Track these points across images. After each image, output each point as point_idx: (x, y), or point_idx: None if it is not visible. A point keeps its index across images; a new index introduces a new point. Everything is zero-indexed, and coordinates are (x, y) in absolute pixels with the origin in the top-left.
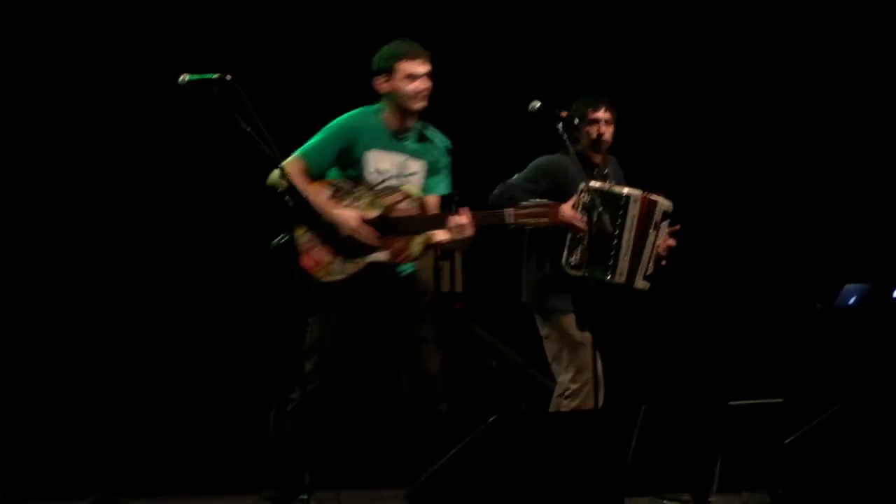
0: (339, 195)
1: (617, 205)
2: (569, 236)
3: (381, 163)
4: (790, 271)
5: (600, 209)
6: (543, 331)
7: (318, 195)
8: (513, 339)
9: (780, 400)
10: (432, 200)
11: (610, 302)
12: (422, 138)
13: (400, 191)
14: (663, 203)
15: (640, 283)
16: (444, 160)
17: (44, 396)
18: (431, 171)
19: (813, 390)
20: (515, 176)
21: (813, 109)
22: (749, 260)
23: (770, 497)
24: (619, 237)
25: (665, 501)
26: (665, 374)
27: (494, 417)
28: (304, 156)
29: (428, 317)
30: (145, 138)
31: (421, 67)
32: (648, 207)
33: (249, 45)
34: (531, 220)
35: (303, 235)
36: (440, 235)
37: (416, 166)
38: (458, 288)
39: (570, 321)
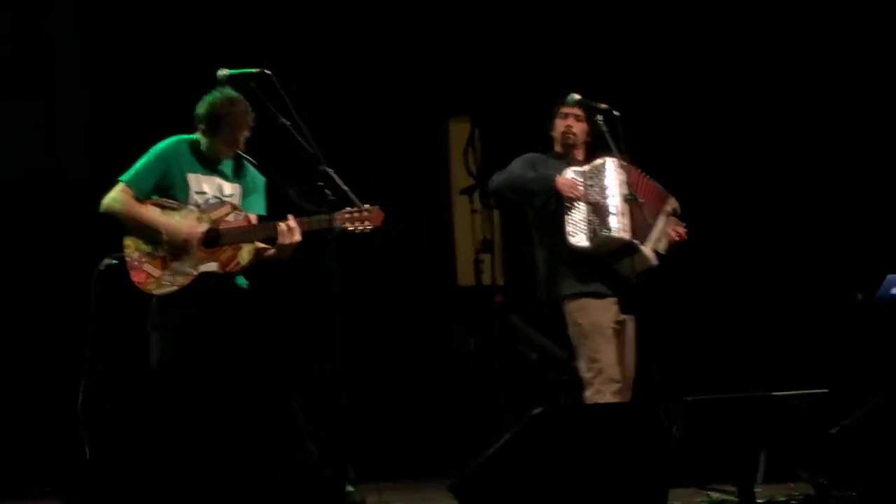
0: (167, 213)
1: (597, 175)
2: (566, 218)
3: (200, 186)
4: (833, 262)
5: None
6: (566, 323)
7: (149, 212)
8: (553, 332)
9: (824, 390)
10: (254, 217)
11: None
12: (235, 163)
13: (227, 203)
14: (671, 199)
15: (647, 250)
16: (260, 181)
17: None
18: (247, 193)
19: (857, 380)
20: (508, 167)
21: (853, 98)
22: (792, 251)
23: (814, 488)
24: (613, 199)
25: (709, 493)
26: (709, 366)
27: (537, 410)
28: (128, 183)
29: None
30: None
31: (247, 127)
32: (652, 186)
33: (279, 41)
34: (355, 224)
35: (133, 251)
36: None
37: (233, 189)
38: (499, 281)
39: (578, 306)
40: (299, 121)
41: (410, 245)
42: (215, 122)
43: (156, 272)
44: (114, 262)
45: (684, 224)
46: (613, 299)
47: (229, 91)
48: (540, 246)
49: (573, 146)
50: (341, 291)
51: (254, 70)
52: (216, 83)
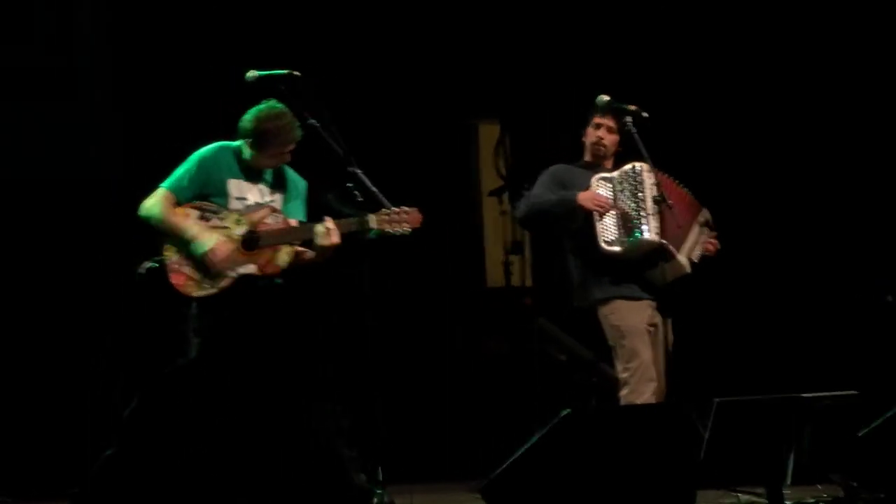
0: (205, 216)
1: (632, 181)
2: (596, 225)
3: (242, 191)
4: (862, 264)
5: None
6: (601, 326)
7: (186, 219)
8: (582, 333)
9: (853, 392)
10: (292, 222)
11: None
12: (276, 172)
13: (266, 206)
14: (705, 210)
15: (681, 258)
16: (301, 186)
17: None
18: (288, 199)
19: (886, 382)
20: (532, 190)
21: (882, 99)
22: (822, 252)
23: (843, 490)
24: (642, 202)
25: (738, 494)
26: (739, 367)
27: (566, 412)
28: (170, 189)
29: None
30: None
31: (289, 150)
32: (687, 198)
33: (310, 43)
34: (393, 226)
35: (172, 255)
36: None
37: (274, 196)
38: (528, 283)
39: (612, 309)
40: (329, 122)
41: (440, 247)
42: (262, 138)
43: (195, 275)
44: (154, 265)
45: (716, 234)
46: (647, 301)
47: (274, 104)
48: (571, 253)
49: (603, 157)
50: (371, 293)
51: (283, 71)
52: (245, 84)
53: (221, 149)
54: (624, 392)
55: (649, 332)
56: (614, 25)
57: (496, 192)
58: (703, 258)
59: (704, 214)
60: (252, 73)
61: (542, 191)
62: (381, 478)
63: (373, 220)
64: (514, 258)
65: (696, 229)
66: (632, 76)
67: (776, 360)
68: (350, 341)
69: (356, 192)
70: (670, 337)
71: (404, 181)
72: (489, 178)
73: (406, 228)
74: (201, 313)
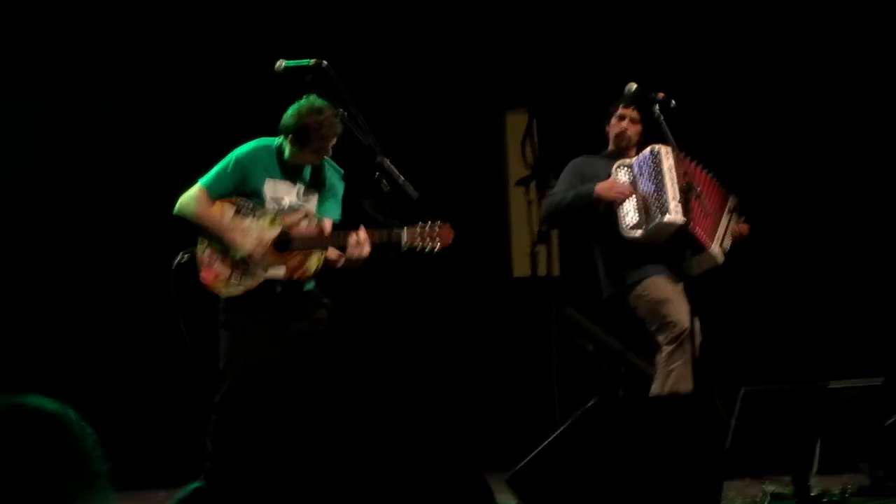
0: (242, 213)
1: (648, 163)
2: (617, 212)
3: (278, 192)
4: (889, 251)
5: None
6: (635, 309)
7: (222, 215)
8: (609, 323)
9: (880, 381)
10: (327, 224)
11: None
12: (315, 169)
13: (301, 209)
14: (732, 197)
15: (715, 249)
16: (338, 187)
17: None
18: (325, 198)
19: None
20: (555, 186)
21: None
22: (847, 240)
23: (870, 479)
24: (661, 185)
25: (764, 484)
26: (765, 356)
27: (593, 401)
28: (206, 187)
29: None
30: (246, 126)
31: (331, 142)
32: (690, 164)
33: (337, 33)
34: (425, 242)
35: (204, 250)
36: (335, 254)
37: (311, 196)
38: (555, 272)
39: (641, 288)
40: (356, 112)
41: (466, 236)
42: (303, 134)
43: (225, 272)
44: (185, 258)
45: (744, 218)
46: (674, 276)
47: (315, 100)
48: (595, 241)
49: (627, 147)
50: (397, 283)
51: (310, 61)
52: (272, 76)
53: (260, 148)
54: (669, 349)
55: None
56: (642, 14)
57: (523, 182)
58: (734, 243)
59: (733, 201)
60: (280, 64)
61: (562, 187)
62: None
63: (405, 235)
64: (540, 248)
65: (725, 218)
66: (660, 64)
67: (803, 348)
68: (376, 331)
69: (384, 182)
70: (698, 336)
71: (432, 171)
72: (516, 168)
73: (436, 245)
74: (229, 308)
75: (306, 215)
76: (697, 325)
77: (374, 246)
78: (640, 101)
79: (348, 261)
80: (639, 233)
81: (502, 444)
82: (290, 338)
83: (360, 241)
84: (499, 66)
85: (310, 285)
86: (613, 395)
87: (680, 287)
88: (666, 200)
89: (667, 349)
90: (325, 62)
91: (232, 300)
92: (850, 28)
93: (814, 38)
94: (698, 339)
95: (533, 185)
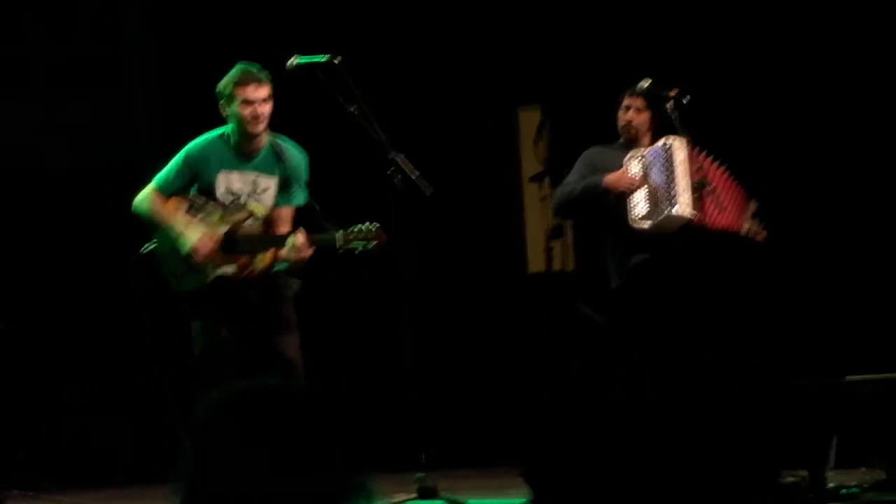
0: (193, 210)
1: (661, 155)
2: (627, 203)
3: (232, 183)
4: None
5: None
6: None
7: (175, 213)
8: (624, 319)
9: None
10: (285, 213)
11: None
12: (274, 153)
13: (245, 209)
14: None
15: (747, 226)
16: (298, 172)
17: None
18: (284, 185)
19: None
20: (567, 177)
21: None
22: (866, 235)
23: (887, 473)
24: (671, 177)
25: (781, 478)
26: (782, 350)
27: (608, 395)
28: (157, 187)
29: (287, 306)
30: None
31: (255, 93)
32: (704, 157)
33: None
34: (360, 244)
35: (159, 248)
36: (283, 252)
37: (269, 182)
38: (569, 267)
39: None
40: (367, 109)
41: (481, 232)
42: (227, 97)
43: (178, 270)
44: (149, 248)
45: (763, 224)
46: None
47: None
48: (605, 232)
49: (636, 137)
50: (412, 278)
51: (323, 58)
52: (284, 73)
53: (211, 140)
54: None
55: None
56: (655, 9)
57: (537, 178)
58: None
59: (754, 206)
60: (292, 61)
61: (574, 177)
62: (423, 461)
63: (339, 238)
64: (554, 243)
65: (745, 226)
66: (673, 60)
67: (821, 342)
68: (391, 326)
69: (397, 179)
70: None
71: (446, 168)
72: (530, 164)
73: (371, 246)
74: (192, 301)
75: (250, 214)
76: None
77: (314, 248)
78: (654, 98)
79: (289, 262)
80: (647, 224)
81: (517, 438)
82: (249, 318)
83: (298, 245)
84: (512, 63)
85: (280, 266)
86: (627, 390)
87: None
88: (676, 193)
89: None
90: (338, 58)
91: (194, 294)
92: (871, 24)
93: (832, 31)
94: None
95: (547, 181)
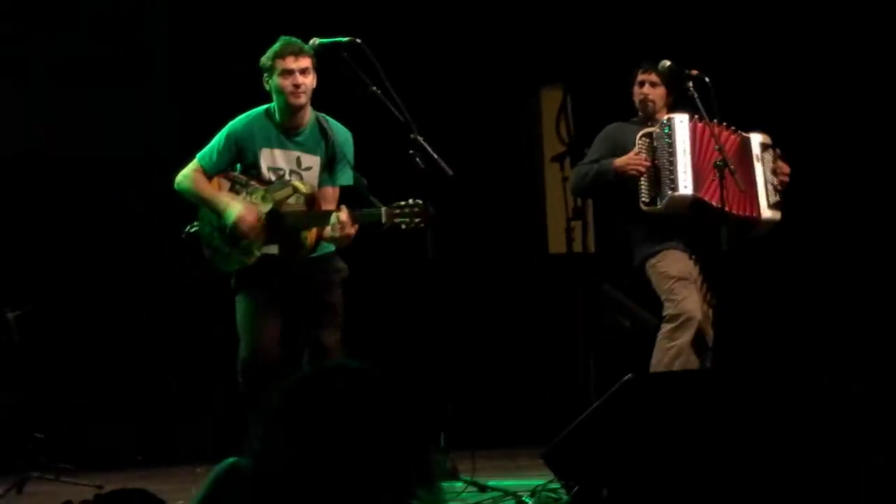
0: (236, 188)
1: (664, 133)
2: (638, 184)
3: (274, 161)
4: None
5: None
6: (650, 279)
7: (217, 191)
8: (644, 298)
9: None
10: (330, 193)
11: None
12: (319, 130)
13: (289, 186)
14: (756, 136)
15: (767, 213)
16: (344, 151)
17: None
18: (329, 164)
19: None
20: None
21: None
22: (872, 234)
23: None
24: (673, 156)
25: None
26: (803, 345)
27: (628, 377)
28: (201, 164)
29: (333, 293)
30: None
31: (294, 63)
32: (711, 129)
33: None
34: (405, 220)
35: (205, 225)
36: (327, 231)
37: (312, 160)
38: (591, 248)
39: (658, 259)
40: (391, 89)
41: (502, 213)
42: (268, 63)
43: (225, 249)
44: (193, 228)
45: (782, 155)
46: (694, 256)
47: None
48: (619, 213)
49: (653, 112)
50: (434, 260)
51: (344, 39)
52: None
53: (254, 117)
54: (669, 327)
55: (696, 280)
56: None
57: (558, 158)
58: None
59: (756, 142)
60: (314, 41)
61: (593, 156)
62: (443, 443)
63: (384, 215)
64: (575, 224)
65: (759, 170)
66: (693, 40)
67: (830, 342)
68: (413, 309)
69: (418, 160)
70: (710, 332)
71: (467, 148)
72: (551, 144)
73: (417, 223)
74: (238, 278)
75: (294, 191)
76: (710, 319)
77: (359, 225)
78: (675, 76)
79: (334, 241)
80: (655, 207)
81: (538, 421)
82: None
83: (343, 222)
84: (534, 42)
85: (328, 248)
86: (648, 371)
87: (696, 270)
88: (675, 174)
89: (666, 326)
90: (358, 39)
91: (240, 271)
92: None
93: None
94: (710, 336)
95: (568, 161)
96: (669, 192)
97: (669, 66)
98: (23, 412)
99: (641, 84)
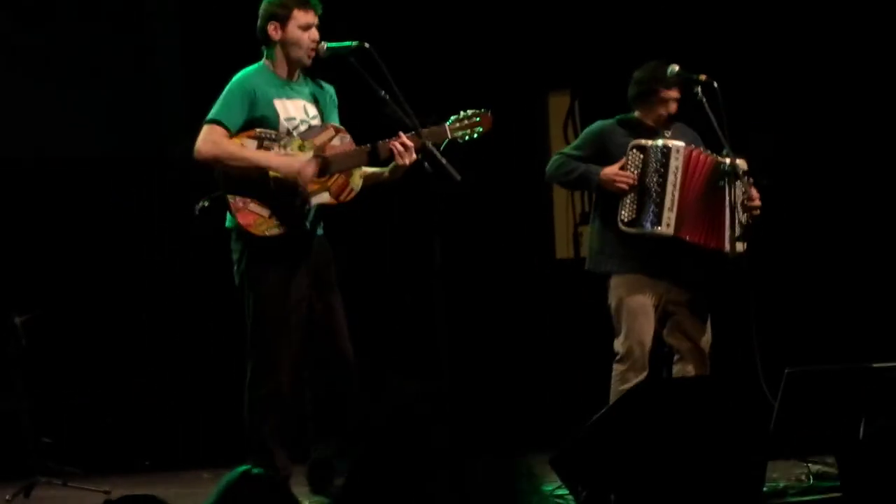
0: (265, 144)
1: (658, 157)
2: (619, 200)
3: (287, 111)
4: None
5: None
6: (607, 296)
7: (246, 150)
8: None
9: None
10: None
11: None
12: (308, 81)
13: (329, 126)
14: (734, 161)
15: (733, 246)
16: (333, 98)
17: None
18: (328, 111)
19: None
20: (568, 146)
21: None
22: (890, 218)
23: None
24: (662, 187)
25: (808, 465)
26: (810, 337)
27: (638, 382)
28: (219, 121)
29: (333, 268)
30: None
31: (314, 18)
32: (708, 165)
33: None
34: (468, 130)
35: (232, 196)
36: (375, 168)
37: (315, 109)
38: None
39: (621, 282)
40: (399, 94)
41: (509, 219)
42: (277, 15)
43: (265, 212)
44: (205, 204)
45: (751, 181)
46: (662, 282)
47: None
48: (596, 220)
49: (664, 127)
50: (441, 265)
51: (353, 43)
52: (315, 59)
53: (255, 71)
54: (622, 367)
55: (656, 309)
56: None
57: None
58: (756, 217)
59: (724, 168)
60: (323, 46)
61: (578, 153)
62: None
63: (447, 130)
64: (583, 229)
65: (727, 208)
66: (701, 45)
67: (847, 329)
68: (420, 314)
69: (426, 164)
70: (708, 337)
71: (474, 153)
72: (559, 149)
73: (478, 131)
74: (256, 254)
75: (336, 131)
76: (708, 328)
77: (420, 148)
78: (683, 84)
79: (393, 172)
80: (633, 230)
81: (545, 425)
82: (312, 286)
83: (406, 147)
84: (541, 47)
85: (319, 231)
86: (657, 376)
87: (662, 293)
88: (661, 208)
89: (618, 367)
90: (367, 44)
91: (261, 246)
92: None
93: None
94: (708, 338)
95: None
96: (650, 227)
97: (678, 72)
98: (31, 417)
99: (666, 102)
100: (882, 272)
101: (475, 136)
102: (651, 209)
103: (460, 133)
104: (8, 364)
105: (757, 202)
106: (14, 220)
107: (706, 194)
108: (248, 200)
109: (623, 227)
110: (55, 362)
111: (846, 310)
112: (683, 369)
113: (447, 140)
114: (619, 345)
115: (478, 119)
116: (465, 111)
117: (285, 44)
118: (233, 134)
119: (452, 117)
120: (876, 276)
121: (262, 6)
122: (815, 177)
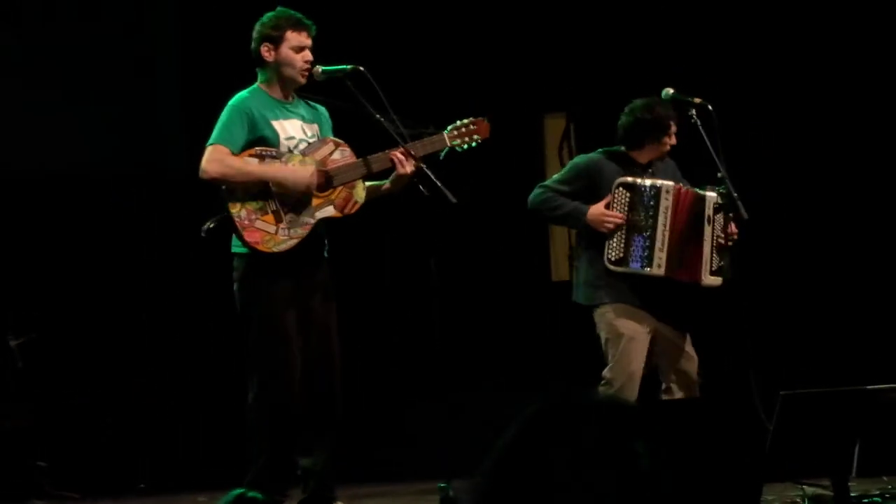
0: (267, 162)
1: (648, 197)
2: (606, 238)
3: (286, 131)
4: None
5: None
6: (597, 326)
7: (250, 165)
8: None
9: None
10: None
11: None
12: (302, 102)
13: (329, 140)
14: (711, 196)
15: (709, 280)
16: (327, 119)
17: None
18: (322, 132)
19: None
20: (552, 177)
21: None
22: (888, 243)
23: None
24: (653, 229)
25: (804, 487)
26: (804, 360)
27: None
28: (222, 142)
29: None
30: None
31: (308, 40)
32: (690, 200)
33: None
34: (466, 139)
35: (239, 212)
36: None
37: (312, 129)
38: None
39: (614, 312)
40: (394, 116)
41: (505, 241)
42: (272, 31)
43: (271, 228)
44: (212, 225)
45: (731, 216)
46: (651, 310)
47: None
48: (584, 254)
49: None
50: (437, 286)
51: (348, 66)
52: (311, 82)
53: (251, 94)
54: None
55: (648, 338)
56: (679, 17)
57: None
58: (734, 248)
59: (710, 201)
60: (318, 70)
61: (562, 188)
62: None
63: (445, 139)
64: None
65: (707, 231)
66: (696, 68)
67: (842, 352)
68: (416, 333)
69: (421, 187)
70: (695, 363)
71: (470, 175)
72: (555, 172)
73: (476, 139)
74: (260, 270)
75: (336, 145)
76: (689, 346)
77: (420, 157)
78: (678, 107)
79: (395, 182)
80: (619, 270)
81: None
82: (312, 308)
83: (407, 157)
84: (537, 70)
85: (325, 252)
86: (652, 399)
87: (650, 322)
88: (652, 250)
89: (606, 377)
90: (361, 67)
91: (266, 261)
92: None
93: (851, 44)
94: (694, 361)
95: None
96: (639, 267)
97: (673, 95)
98: (27, 439)
99: (671, 135)
100: (876, 295)
101: (474, 144)
102: (640, 248)
103: (458, 141)
104: (4, 386)
105: (734, 236)
106: (9, 234)
107: (688, 229)
108: (255, 216)
109: (610, 266)
110: (54, 374)
111: (841, 332)
112: (672, 397)
113: (447, 149)
114: (608, 372)
115: (475, 127)
116: (461, 119)
117: (279, 65)
118: (235, 154)
119: (450, 126)
120: (870, 299)
121: (256, 28)
122: (808, 198)
